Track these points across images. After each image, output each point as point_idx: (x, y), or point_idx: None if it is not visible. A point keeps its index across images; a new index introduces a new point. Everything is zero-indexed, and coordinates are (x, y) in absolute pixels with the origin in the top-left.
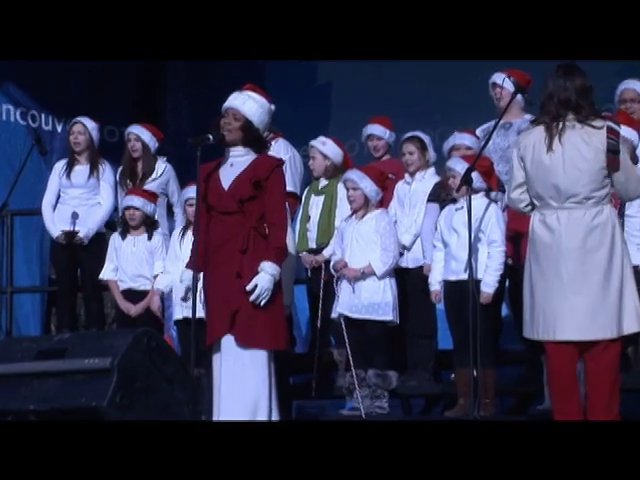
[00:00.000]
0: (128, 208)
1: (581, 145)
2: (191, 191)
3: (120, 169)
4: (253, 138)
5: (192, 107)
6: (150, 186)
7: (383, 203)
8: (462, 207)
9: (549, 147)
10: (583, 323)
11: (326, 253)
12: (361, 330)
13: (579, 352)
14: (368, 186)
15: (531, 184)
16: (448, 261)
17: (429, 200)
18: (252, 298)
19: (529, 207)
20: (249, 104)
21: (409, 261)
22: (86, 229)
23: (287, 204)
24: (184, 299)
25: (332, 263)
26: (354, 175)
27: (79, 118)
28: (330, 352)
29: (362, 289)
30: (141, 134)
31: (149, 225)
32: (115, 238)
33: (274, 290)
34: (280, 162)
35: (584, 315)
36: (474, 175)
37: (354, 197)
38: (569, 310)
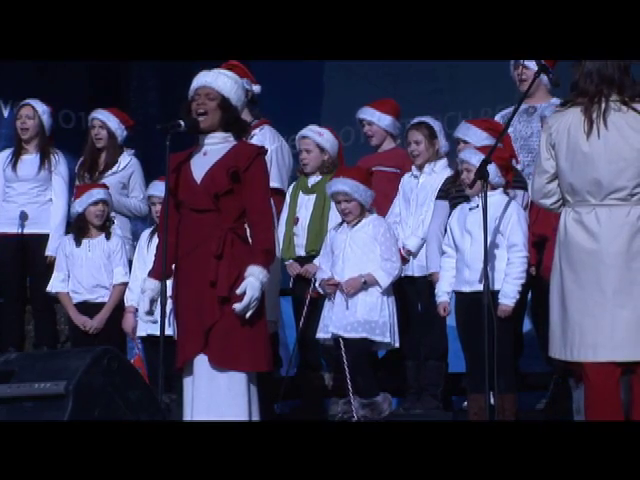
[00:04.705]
0: (96, 203)
1: (627, 131)
2: (156, 187)
3: (80, 160)
4: (233, 118)
5: (161, 88)
6: (108, 180)
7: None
8: (477, 206)
9: (589, 133)
10: (628, 341)
11: (317, 262)
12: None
13: (622, 370)
14: (362, 194)
15: (564, 176)
16: (461, 269)
17: (438, 197)
18: (239, 308)
19: (558, 203)
20: (222, 79)
21: (415, 268)
22: (52, 247)
23: (272, 202)
24: (149, 312)
25: (318, 281)
26: (344, 186)
27: (28, 100)
28: (320, 376)
29: (357, 305)
30: (107, 121)
31: (105, 224)
32: (66, 243)
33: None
34: (262, 150)
35: (629, 331)
36: (491, 169)
37: (349, 209)
38: (611, 326)
